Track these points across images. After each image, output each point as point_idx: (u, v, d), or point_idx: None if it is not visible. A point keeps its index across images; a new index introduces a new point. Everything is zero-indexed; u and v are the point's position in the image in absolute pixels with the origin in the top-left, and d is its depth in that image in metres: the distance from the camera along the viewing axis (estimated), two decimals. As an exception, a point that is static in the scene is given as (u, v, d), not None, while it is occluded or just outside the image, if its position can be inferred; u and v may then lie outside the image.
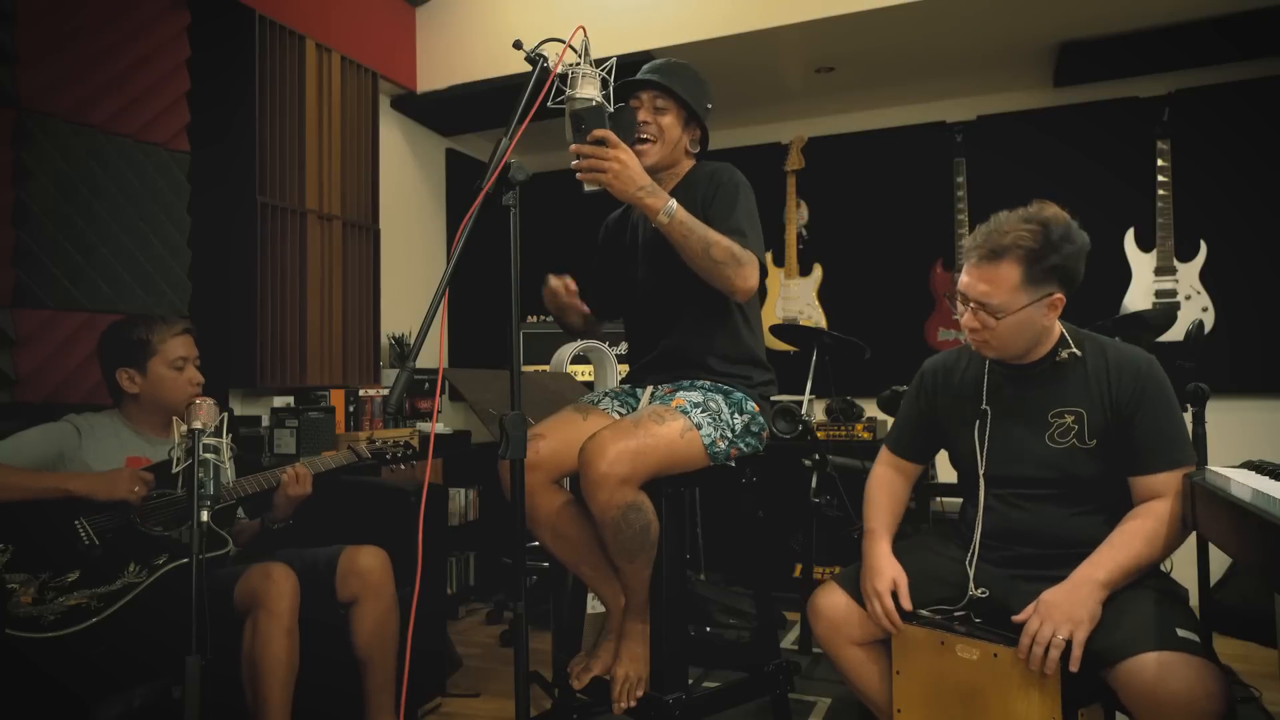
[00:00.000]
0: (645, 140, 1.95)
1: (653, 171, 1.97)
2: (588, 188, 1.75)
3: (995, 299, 1.59)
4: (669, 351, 2.00)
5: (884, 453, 1.95)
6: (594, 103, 1.73)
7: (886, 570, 1.69)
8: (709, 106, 2.05)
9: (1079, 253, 1.61)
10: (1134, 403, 1.59)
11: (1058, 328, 1.69)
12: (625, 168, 1.71)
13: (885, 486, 1.89)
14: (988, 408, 1.73)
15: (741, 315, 2.00)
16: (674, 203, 1.75)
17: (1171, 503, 1.54)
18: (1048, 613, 1.47)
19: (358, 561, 2.06)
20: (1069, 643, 1.43)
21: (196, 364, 2.13)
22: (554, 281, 2.06)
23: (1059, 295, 1.61)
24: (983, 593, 1.64)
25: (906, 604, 1.65)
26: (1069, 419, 1.64)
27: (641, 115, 1.95)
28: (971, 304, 1.63)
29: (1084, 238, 1.62)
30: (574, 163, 1.72)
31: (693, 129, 2.03)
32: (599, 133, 1.70)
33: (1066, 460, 1.63)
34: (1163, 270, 3.59)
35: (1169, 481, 1.56)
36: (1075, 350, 1.66)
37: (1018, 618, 1.52)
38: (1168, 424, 1.58)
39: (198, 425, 1.54)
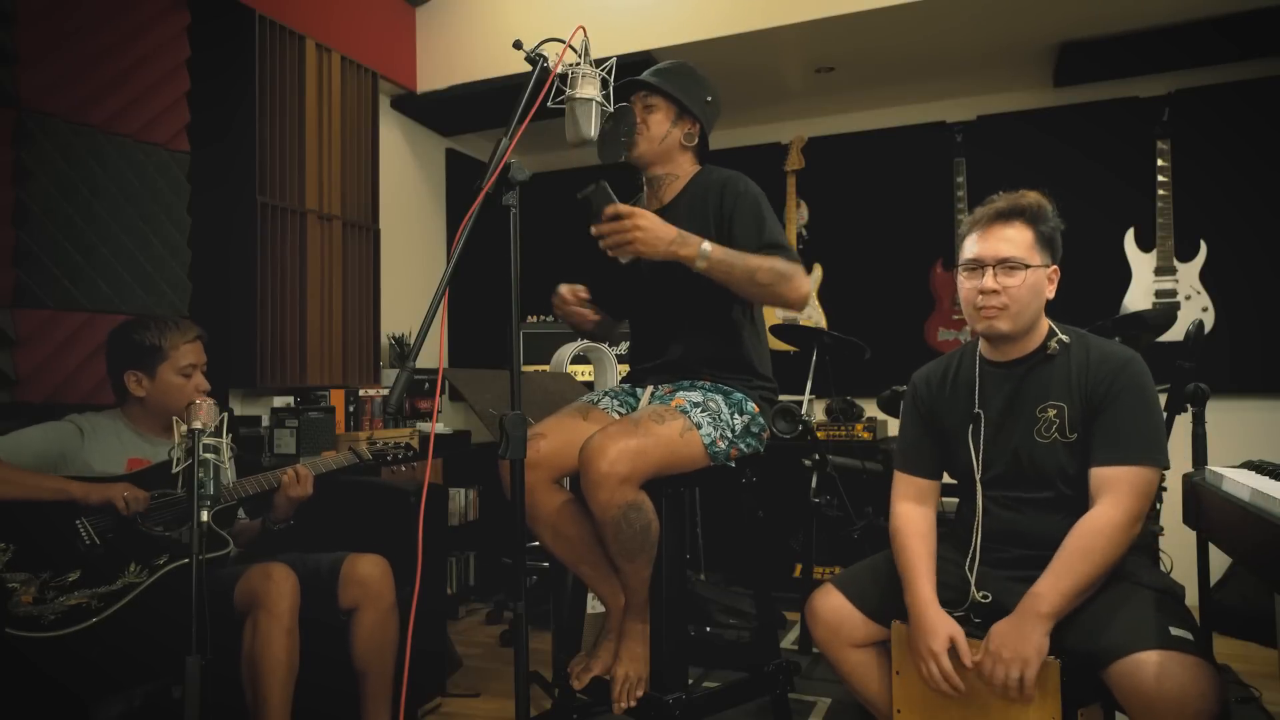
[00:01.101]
0: None
1: (645, 164, 2.01)
2: (624, 260, 1.80)
3: (1020, 253, 1.64)
4: (671, 359, 2.01)
5: (900, 483, 1.82)
6: (593, 186, 1.77)
7: (940, 627, 1.58)
8: (709, 100, 2.04)
9: (1061, 231, 1.72)
10: (1106, 396, 1.59)
11: (1046, 322, 1.70)
12: (647, 231, 1.74)
13: (912, 527, 1.73)
14: (980, 411, 1.72)
15: (748, 321, 2.00)
16: (707, 244, 1.77)
17: (1111, 508, 1.51)
18: (998, 654, 1.49)
19: (358, 569, 2.06)
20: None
21: (204, 370, 2.12)
22: (563, 290, 2.07)
23: (1057, 269, 1.69)
24: (985, 597, 1.63)
25: (968, 660, 1.54)
26: (1052, 412, 1.64)
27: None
28: (992, 267, 1.65)
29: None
30: (601, 243, 1.77)
31: (685, 123, 2.03)
32: (610, 209, 1.74)
33: (1052, 455, 1.63)
34: (1163, 270, 3.59)
35: (1116, 476, 1.54)
36: (1063, 338, 1.68)
37: (973, 660, 1.54)
38: (1130, 419, 1.56)
39: (198, 425, 1.54)
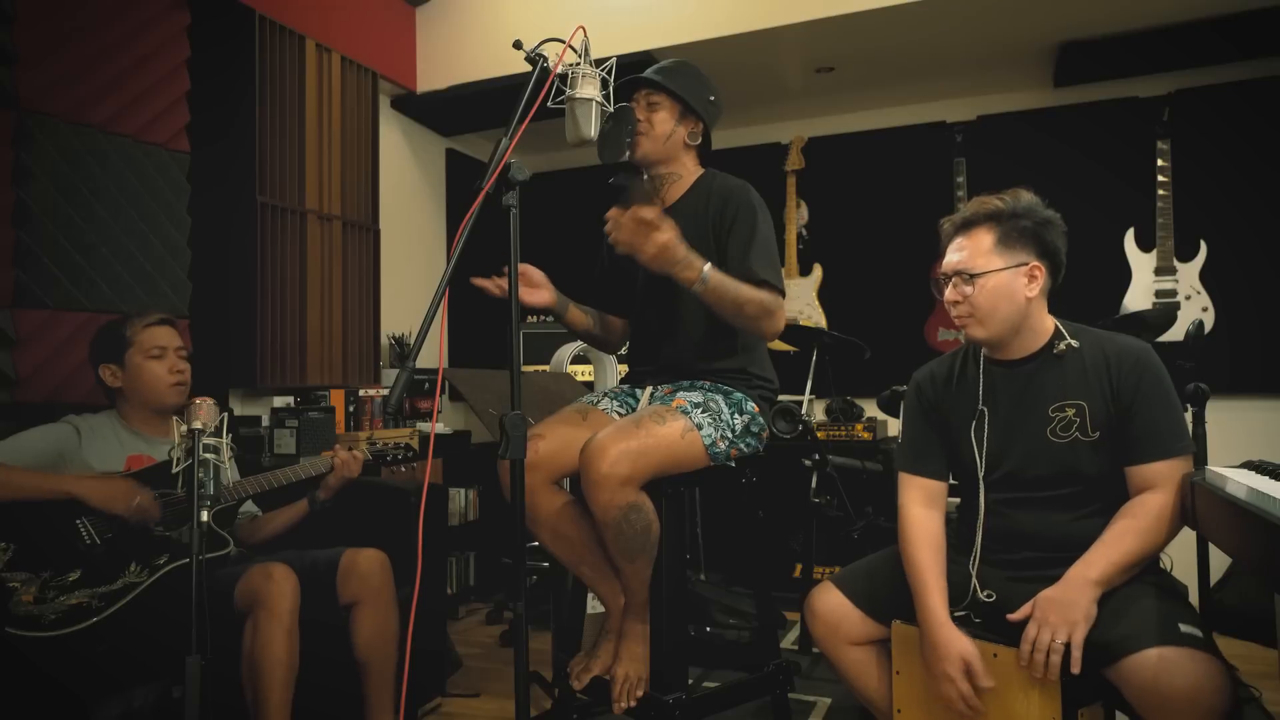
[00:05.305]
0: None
1: (649, 164, 2.00)
2: (619, 251, 1.76)
3: (971, 263, 1.65)
4: (669, 364, 2.01)
5: (907, 485, 1.77)
6: (634, 179, 1.76)
7: (954, 647, 1.55)
8: (712, 99, 2.04)
9: (1052, 225, 1.66)
10: (1133, 392, 1.58)
11: (1051, 321, 1.69)
12: (663, 251, 1.71)
13: (922, 537, 1.68)
14: (984, 409, 1.71)
15: None
16: (708, 268, 1.75)
17: (1164, 495, 1.53)
18: (1044, 616, 1.47)
19: (358, 564, 2.06)
20: (1069, 645, 1.43)
21: (181, 354, 2.13)
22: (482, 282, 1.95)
23: (1038, 265, 1.64)
24: (989, 596, 1.63)
25: (985, 681, 1.52)
26: (1070, 412, 1.63)
27: (636, 113, 1.96)
28: (951, 279, 1.68)
29: (1057, 216, 1.68)
30: (609, 226, 1.73)
31: (689, 122, 2.03)
32: (644, 212, 1.69)
33: (1070, 455, 1.62)
34: (1163, 270, 3.58)
35: (1163, 471, 1.55)
36: (1072, 342, 1.66)
37: (1014, 616, 1.52)
38: (1163, 413, 1.57)
39: (198, 425, 1.55)
